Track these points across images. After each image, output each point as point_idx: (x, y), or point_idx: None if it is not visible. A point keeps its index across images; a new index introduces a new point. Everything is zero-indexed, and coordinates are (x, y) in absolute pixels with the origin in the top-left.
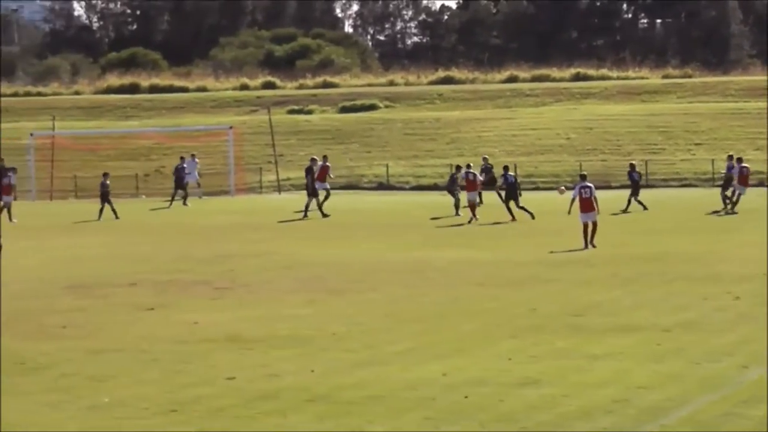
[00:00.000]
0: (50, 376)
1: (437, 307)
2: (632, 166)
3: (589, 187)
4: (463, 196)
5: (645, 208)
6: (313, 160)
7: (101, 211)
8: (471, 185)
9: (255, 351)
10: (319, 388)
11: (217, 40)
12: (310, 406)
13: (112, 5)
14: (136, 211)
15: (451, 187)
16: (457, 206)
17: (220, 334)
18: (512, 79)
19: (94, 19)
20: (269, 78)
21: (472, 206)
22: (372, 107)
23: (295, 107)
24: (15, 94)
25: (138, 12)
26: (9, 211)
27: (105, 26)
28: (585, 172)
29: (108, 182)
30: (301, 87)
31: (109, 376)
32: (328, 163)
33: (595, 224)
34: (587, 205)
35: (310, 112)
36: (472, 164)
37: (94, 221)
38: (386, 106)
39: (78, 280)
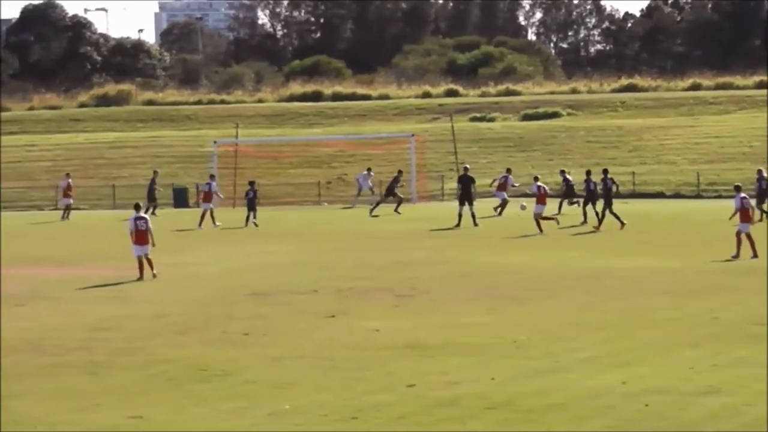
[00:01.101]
0: (232, 382)
1: (618, 315)
2: (760, 172)
3: (746, 198)
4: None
5: (760, 219)
6: (465, 168)
7: (247, 218)
8: (541, 198)
9: (435, 358)
10: (498, 395)
11: (400, 48)
12: (489, 414)
13: (296, 13)
14: (317, 219)
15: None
16: (597, 216)
17: (400, 342)
18: (695, 87)
19: (278, 27)
20: (452, 86)
21: (538, 219)
22: (554, 115)
23: (478, 115)
24: (199, 102)
25: (321, 20)
26: (212, 217)
27: (289, 34)
28: (739, 184)
29: (255, 189)
30: (483, 95)
31: (289, 382)
32: (511, 176)
33: (749, 235)
34: (748, 216)
35: (492, 120)
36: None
37: (274, 227)
38: (569, 114)
39: (260, 287)
